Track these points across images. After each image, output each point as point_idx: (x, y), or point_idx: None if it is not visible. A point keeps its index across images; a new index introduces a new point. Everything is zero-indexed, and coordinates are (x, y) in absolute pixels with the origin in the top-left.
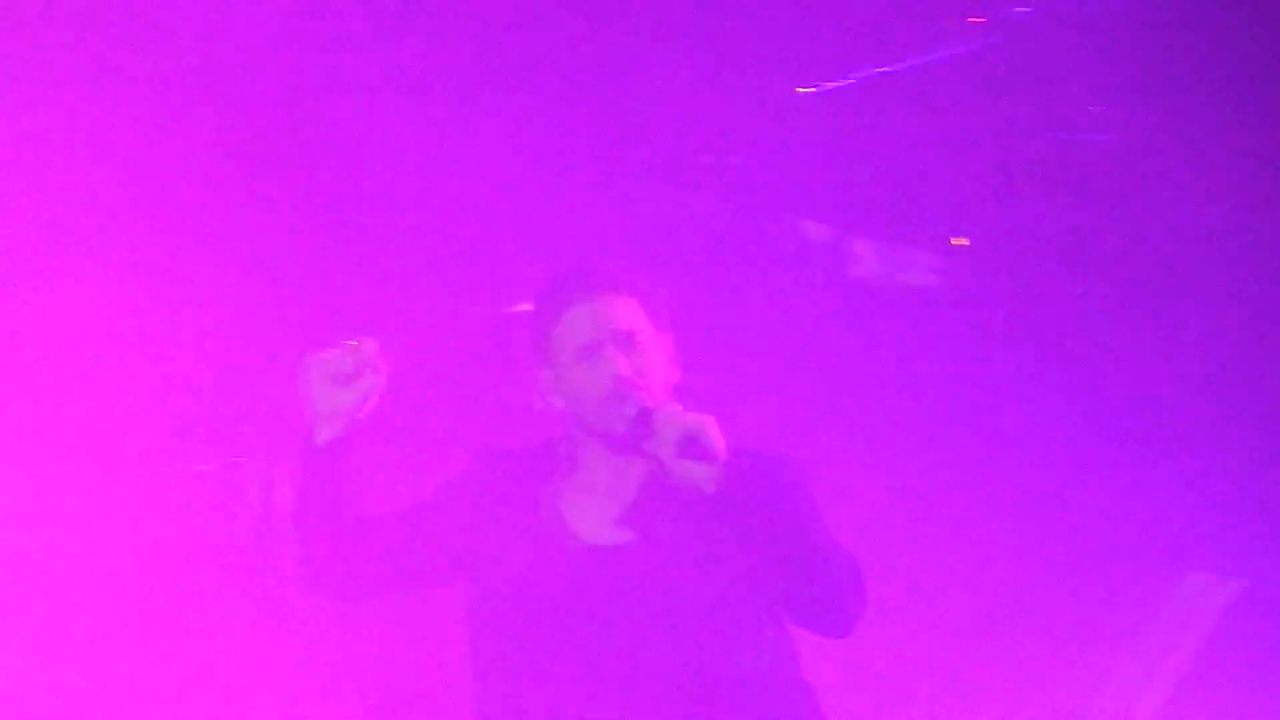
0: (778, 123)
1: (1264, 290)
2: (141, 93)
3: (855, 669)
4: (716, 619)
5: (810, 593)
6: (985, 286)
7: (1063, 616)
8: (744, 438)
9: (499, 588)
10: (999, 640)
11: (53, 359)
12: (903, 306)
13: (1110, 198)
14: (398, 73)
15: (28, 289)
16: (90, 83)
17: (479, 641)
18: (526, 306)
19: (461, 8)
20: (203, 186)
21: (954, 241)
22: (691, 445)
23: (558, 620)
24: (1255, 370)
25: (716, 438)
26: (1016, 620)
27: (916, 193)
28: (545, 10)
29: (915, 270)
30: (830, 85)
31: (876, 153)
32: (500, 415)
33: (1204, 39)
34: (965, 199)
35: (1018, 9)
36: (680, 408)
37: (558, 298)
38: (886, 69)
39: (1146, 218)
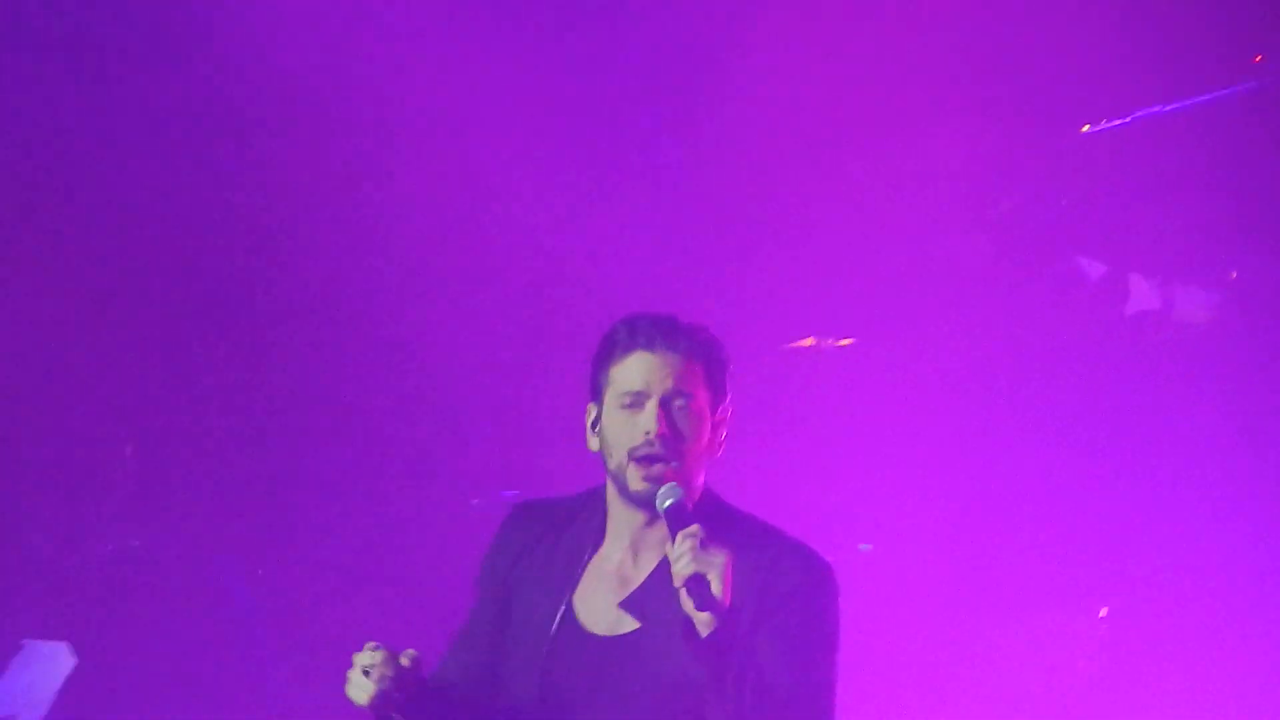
0: (1059, 162)
1: None
2: None
3: None
4: (685, 704)
5: None
6: (1261, 324)
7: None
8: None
9: (504, 652)
10: None
11: None
12: (1179, 343)
13: None
14: None
15: None
16: None
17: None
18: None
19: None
20: None
21: (1232, 275)
22: (696, 585)
23: (544, 704)
24: None
25: (721, 588)
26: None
27: (1194, 230)
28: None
29: (1193, 306)
30: (1112, 124)
31: (1155, 190)
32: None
33: None
34: (1243, 235)
35: None
36: (698, 534)
37: (624, 340)
38: (1168, 108)
39: None
